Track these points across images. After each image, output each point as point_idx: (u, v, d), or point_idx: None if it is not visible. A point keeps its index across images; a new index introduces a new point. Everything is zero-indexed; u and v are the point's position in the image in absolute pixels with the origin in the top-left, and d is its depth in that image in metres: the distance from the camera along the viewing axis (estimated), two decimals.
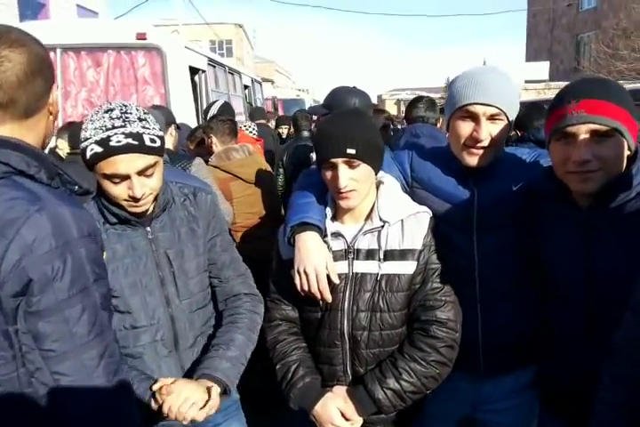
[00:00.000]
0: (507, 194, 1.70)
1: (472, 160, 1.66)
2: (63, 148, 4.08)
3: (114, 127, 1.46)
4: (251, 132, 5.74)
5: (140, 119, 1.51)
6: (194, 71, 6.39)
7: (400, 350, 1.63)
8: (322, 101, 2.66)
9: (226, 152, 3.45)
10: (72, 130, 3.70)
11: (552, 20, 28.44)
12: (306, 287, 1.59)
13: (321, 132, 1.62)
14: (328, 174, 1.58)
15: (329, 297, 1.59)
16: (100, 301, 1.09)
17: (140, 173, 1.50)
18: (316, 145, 1.63)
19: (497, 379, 1.78)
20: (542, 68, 23.72)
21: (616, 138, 1.41)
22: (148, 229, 1.63)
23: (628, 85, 11.11)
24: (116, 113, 1.48)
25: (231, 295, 1.76)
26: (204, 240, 1.71)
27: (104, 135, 1.45)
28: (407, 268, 1.61)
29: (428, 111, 3.80)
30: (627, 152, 1.45)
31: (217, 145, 3.60)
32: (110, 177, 1.48)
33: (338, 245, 1.65)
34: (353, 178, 1.55)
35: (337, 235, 1.65)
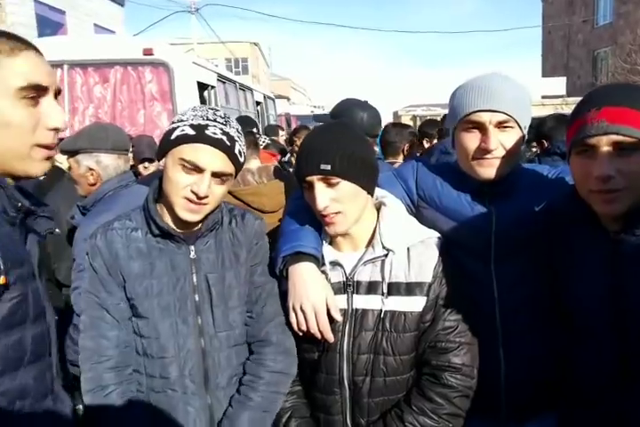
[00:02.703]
0: (528, 214, 1.49)
1: (486, 171, 1.45)
2: (62, 161, 3.96)
3: (215, 121, 1.40)
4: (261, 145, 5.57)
5: (239, 131, 1.46)
6: (203, 87, 6.29)
7: (407, 400, 1.40)
8: None
9: (241, 175, 3.00)
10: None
11: (568, 36, 28.31)
12: (303, 327, 1.38)
13: (299, 147, 1.44)
14: (308, 195, 1.40)
15: (331, 337, 1.38)
16: None
17: (215, 175, 1.38)
18: (296, 164, 1.45)
19: (520, 424, 1.55)
20: (559, 84, 23.52)
21: None
22: (192, 248, 1.46)
23: None
24: (221, 113, 1.44)
25: (258, 340, 1.51)
26: (247, 268, 1.52)
27: (203, 122, 1.38)
28: (415, 304, 1.40)
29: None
30: None
31: None
32: (187, 163, 1.36)
33: (335, 276, 1.44)
34: (334, 198, 1.35)
35: (335, 264, 1.44)
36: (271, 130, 7.71)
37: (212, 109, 1.44)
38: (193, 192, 1.37)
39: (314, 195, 1.35)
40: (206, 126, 1.37)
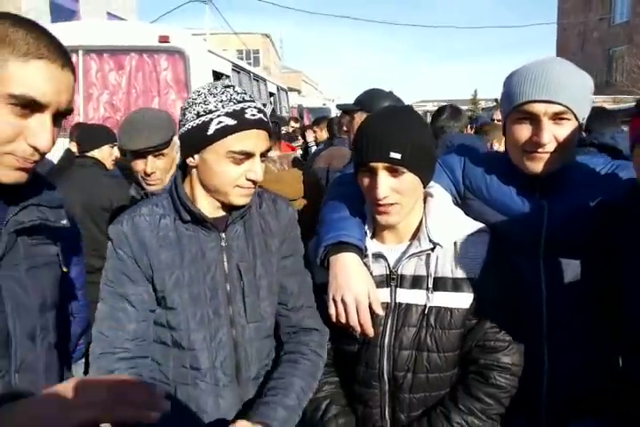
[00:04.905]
0: (582, 211, 1.40)
1: (535, 166, 1.37)
2: (75, 151, 3.93)
3: (245, 100, 1.30)
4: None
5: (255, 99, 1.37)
6: (218, 76, 6.23)
7: (454, 398, 1.34)
8: None
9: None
10: (80, 133, 3.55)
11: (583, 33, 28.00)
12: (343, 319, 1.32)
13: (362, 130, 1.35)
14: (365, 181, 1.32)
15: (371, 331, 1.32)
16: None
17: (262, 154, 1.32)
18: (354, 146, 1.37)
19: None
20: None
21: None
22: (223, 235, 1.38)
23: None
24: (238, 89, 1.33)
25: (299, 328, 1.47)
26: (278, 258, 1.45)
27: (237, 107, 1.27)
28: (462, 301, 1.33)
29: (450, 121, 3.59)
30: None
31: None
32: (236, 155, 1.28)
33: (378, 269, 1.38)
34: (395, 189, 1.28)
35: (378, 256, 1.38)
36: (282, 121, 7.68)
37: (228, 87, 1.32)
38: (249, 179, 1.30)
39: (375, 182, 1.27)
40: (242, 110, 1.28)
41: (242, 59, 31.09)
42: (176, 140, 2.21)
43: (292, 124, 8.36)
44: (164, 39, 5.58)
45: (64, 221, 1.09)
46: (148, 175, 2.14)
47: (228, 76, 6.61)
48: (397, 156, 1.24)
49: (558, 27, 30.64)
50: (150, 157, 2.12)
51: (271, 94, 9.51)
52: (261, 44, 35.59)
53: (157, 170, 2.15)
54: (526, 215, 1.42)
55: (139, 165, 2.15)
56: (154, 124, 2.15)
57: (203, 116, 1.27)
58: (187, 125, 1.30)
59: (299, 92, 28.16)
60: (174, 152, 2.23)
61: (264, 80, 9.03)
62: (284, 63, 44.59)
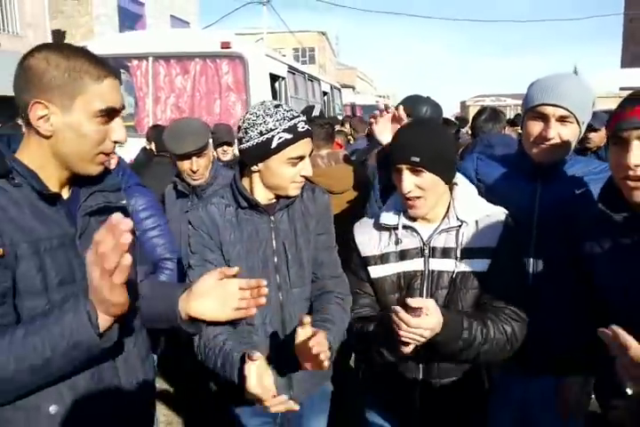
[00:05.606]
0: (568, 197, 1.72)
1: (540, 154, 1.71)
2: (153, 149, 4.36)
3: (294, 117, 1.65)
4: None
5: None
6: (274, 78, 6.58)
7: (484, 313, 1.61)
8: None
9: (312, 159, 3.34)
10: (157, 134, 3.97)
11: None
12: None
13: (393, 138, 1.72)
14: (396, 179, 1.65)
15: None
16: None
17: (309, 155, 1.71)
18: (389, 151, 1.72)
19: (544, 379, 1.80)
20: (639, 76, 22.31)
21: None
22: (272, 218, 1.74)
23: None
24: (285, 107, 1.68)
25: (324, 291, 1.80)
26: (314, 235, 1.79)
27: (291, 123, 1.63)
28: (480, 266, 1.64)
29: (487, 122, 3.90)
30: None
31: None
32: (294, 160, 1.65)
33: (413, 242, 1.70)
34: (418, 184, 1.59)
35: (412, 230, 1.70)
36: (334, 121, 7.97)
37: (278, 107, 1.65)
38: (303, 176, 1.68)
39: (401, 179, 1.61)
40: (295, 125, 1.63)
41: (297, 57, 31.47)
42: (211, 141, 2.68)
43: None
44: (225, 45, 5.95)
45: (123, 202, 1.42)
46: (194, 172, 2.63)
47: (283, 78, 6.96)
48: (417, 159, 1.57)
49: (625, 17, 29.42)
50: (194, 158, 2.60)
51: (324, 93, 9.81)
52: (317, 41, 35.92)
53: (200, 167, 2.63)
54: (523, 198, 1.77)
55: (185, 164, 2.63)
56: (195, 131, 2.63)
57: (265, 134, 1.61)
58: (251, 142, 1.64)
59: (353, 88, 28.32)
60: (210, 152, 2.71)
61: (318, 80, 9.35)
62: (340, 60, 44.76)
